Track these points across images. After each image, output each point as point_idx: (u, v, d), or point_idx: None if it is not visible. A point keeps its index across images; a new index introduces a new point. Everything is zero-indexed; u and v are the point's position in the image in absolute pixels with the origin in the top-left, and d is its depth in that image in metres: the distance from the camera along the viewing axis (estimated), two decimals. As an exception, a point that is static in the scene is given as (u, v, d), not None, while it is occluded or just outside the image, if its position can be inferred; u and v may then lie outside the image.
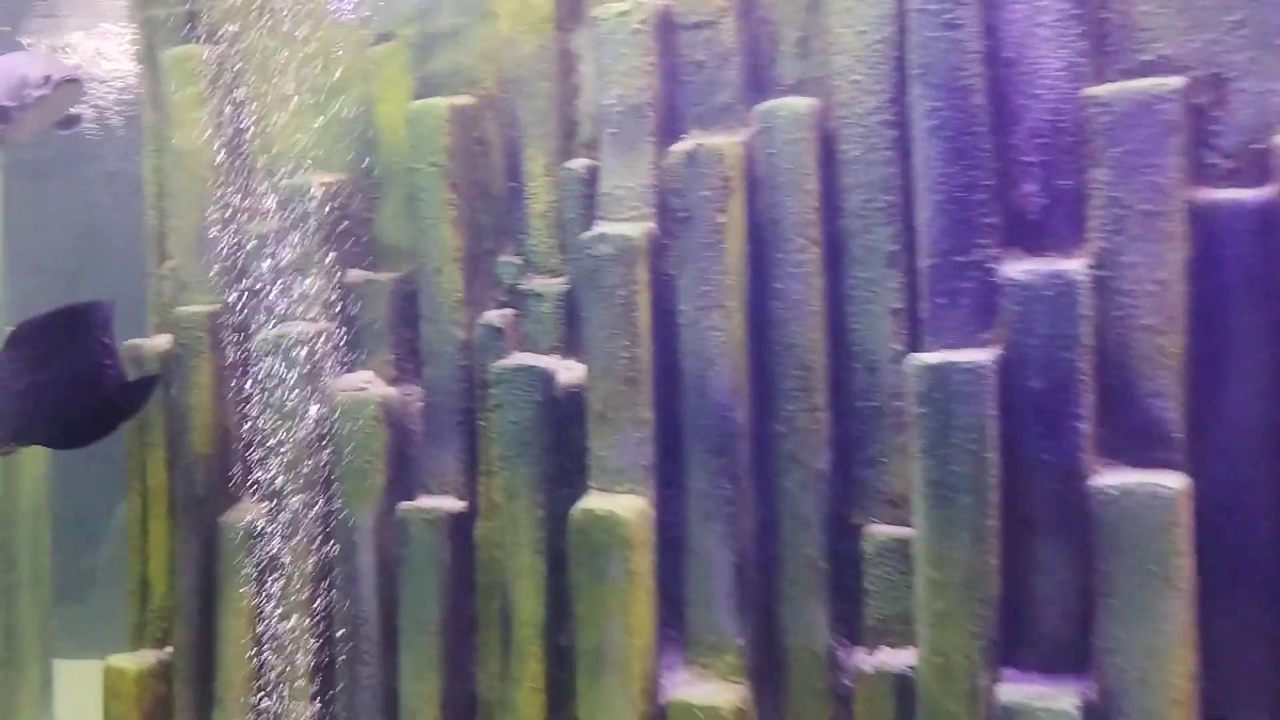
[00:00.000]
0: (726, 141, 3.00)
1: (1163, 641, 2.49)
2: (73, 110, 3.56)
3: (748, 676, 2.97)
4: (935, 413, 2.70)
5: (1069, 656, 2.65)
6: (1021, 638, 2.70)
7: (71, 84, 3.39)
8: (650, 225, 3.09)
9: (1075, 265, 2.64)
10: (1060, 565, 2.67)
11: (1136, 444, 2.61)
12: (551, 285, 3.30)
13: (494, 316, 3.32)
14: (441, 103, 3.37)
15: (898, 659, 2.84)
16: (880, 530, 2.90)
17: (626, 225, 3.08)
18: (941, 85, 2.77)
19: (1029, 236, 2.76)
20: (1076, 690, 2.59)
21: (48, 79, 3.33)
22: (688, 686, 2.99)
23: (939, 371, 2.70)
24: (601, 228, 3.09)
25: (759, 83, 3.10)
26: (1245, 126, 2.58)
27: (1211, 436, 2.58)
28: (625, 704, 2.96)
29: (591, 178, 3.24)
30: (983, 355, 2.68)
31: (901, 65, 2.86)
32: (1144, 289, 2.59)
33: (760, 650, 3.01)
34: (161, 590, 3.77)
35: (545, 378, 3.18)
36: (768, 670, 3.02)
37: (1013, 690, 2.63)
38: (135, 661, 3.71)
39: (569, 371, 3.23)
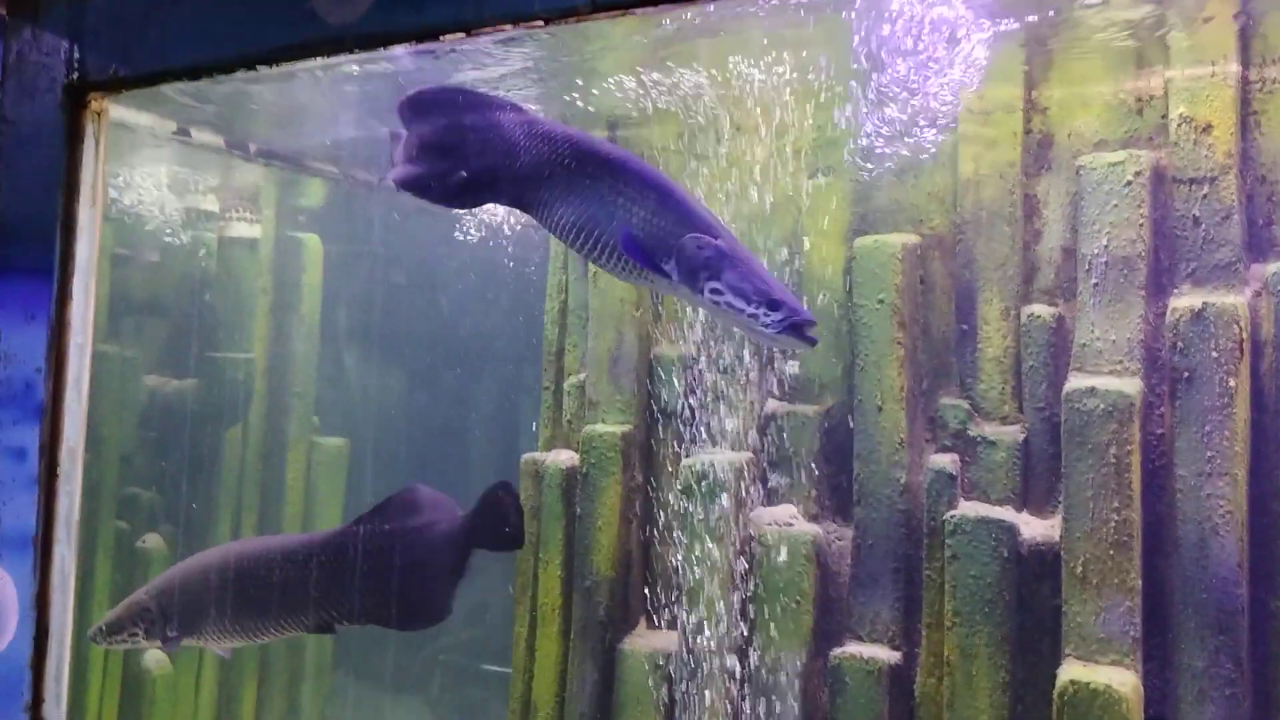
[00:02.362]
0: (1238, 301, 2.89)
1: None
2: None
3: None
4: None
5: None
6: None
7: None
8: (1140, 381, 2.98)
9: None
10: None
11: None
12: (1005, 433, 3.21)
13: (944, 461, 3.23)
14: (893, 240, 3.35)
15: None
16: None
17: (1117, 379, 2.97)
18: None
19: None
20: None
21: None
22: None
23: None
24: (1088, 380, 2.99)
25: (1257, 242, 2.99)
26: None
27: None
28: None
29: (1059, 326, 3.16)
30: None
31: None
32: None
33: None
34: (547, 713, 3.72)
35: (1010, 531, 3.06)
36: None
37: None
38: (520, 783, 3.65)
39: (1029, 526, 3.11)
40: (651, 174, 2.78)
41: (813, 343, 2.54)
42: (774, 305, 2.50)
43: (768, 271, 2.60)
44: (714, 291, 2.57)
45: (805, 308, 2.51)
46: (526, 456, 3.92)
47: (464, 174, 2.79)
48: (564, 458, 3.80)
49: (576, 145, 2.79)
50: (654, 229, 2.63)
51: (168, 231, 6.05)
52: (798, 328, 2.47)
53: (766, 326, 2.50)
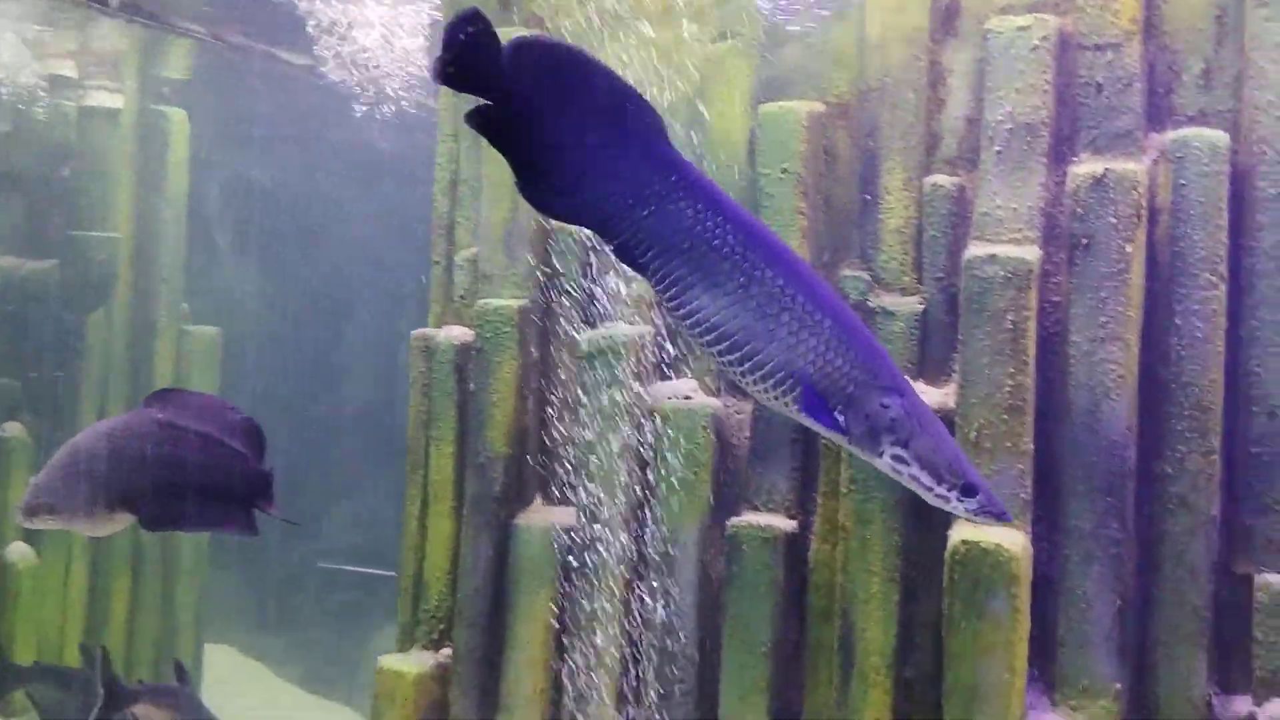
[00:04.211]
0: (1138, 168, 2.90)
1: None
2: None
3: (1121, 722, 2.87)
4: (1378, 465, 2.61)
5: None
6: None
7: None
8: (1038, 249, 2.99)
9: None
10: None
11: None
12: (905, 304, 3.20)
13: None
14: (798, 107, 3.26)
15: (1299, 714, 2.74)
16: (1276, 580, 2.81)
17: (1017, 248, 2.98)
18: (1391, 127, 2.68)
19: None
20: None
21: None
22: (1062, 730, 2.88)
23: (1387, 423, 2.61)
24: (988, 248, 2.99)
25: (1157, 110, 3.01)
26: None
27: None
28: (1002, 749, 2.85)
29: (960, 195, 3.14)
30: None
31: (1337, 103, 2.78)
32: None
33: (1133, 696, 2.91)
34: (439, 591, 3.64)
35: (909, 400, 3.07)
36: (1140, 716, 2.92)
37: None
38: (412, 664, 3.58)
39: (925, 395, 3.12)
40: (826, 292, 2.31)
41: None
42: (969, 490, 2.24)
43: (950, 435, 2.32)
44: (897, 459, 2.26)
45: (995, 495, 2.27)
46: (416, 333, 3.77)
47: (570, 193, 2.23)
48: (456, 334, 3.66)
49: (735, 219, 2.25)
50: (827, 367, 2.23)
51: (21, 99, 5.58)
52: (990, 517, 2.25)
53: (954, 506, 2.26)
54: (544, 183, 2.22)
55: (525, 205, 3.51)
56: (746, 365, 2.21)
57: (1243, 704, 2.85)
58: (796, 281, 2.25)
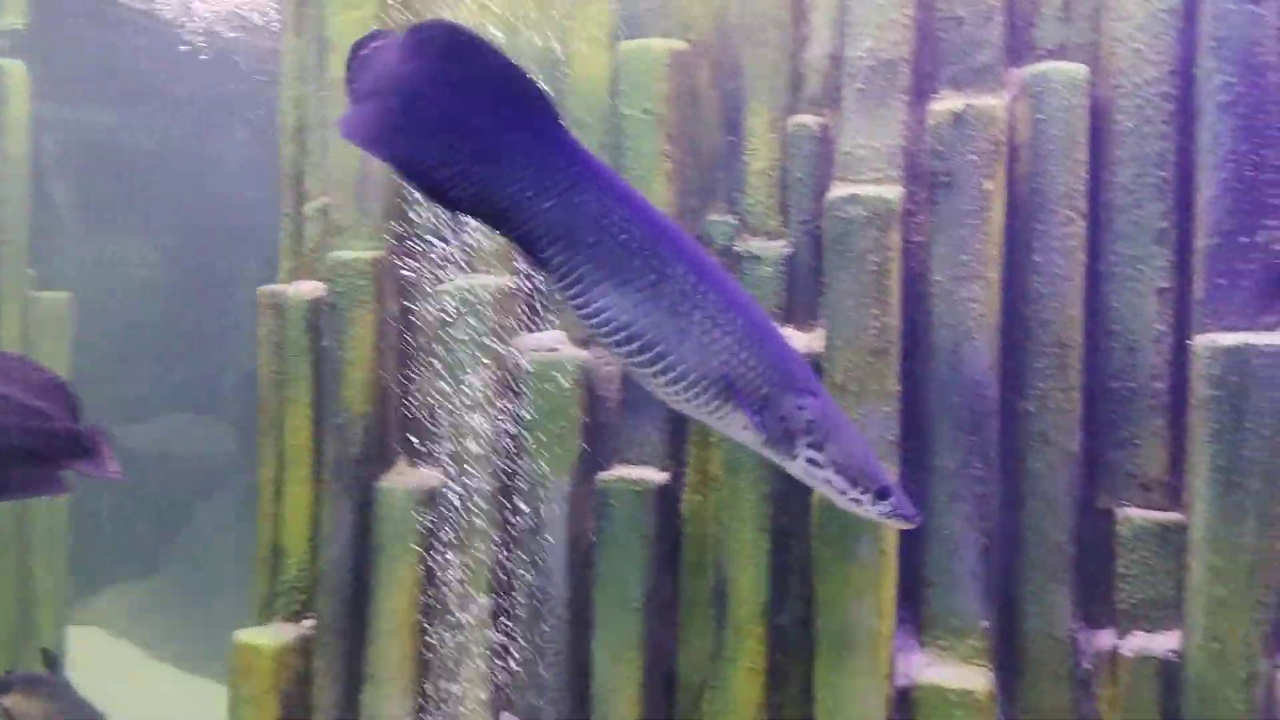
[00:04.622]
0: (996, 104, 2.86)
1: None
2: None
3: (990, 660, 2.88)
4: (1229, 396, 2.64)
5: (1348, 645, 2.64)
6: (1296, 625, 2.68)
7: None
8: (900, 188, 2.94)
9: (1384, 251, 2.60)
10: (1342, 553, 2.64)
11: None
12: (771, 248, 3.12)
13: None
14: (659, 45, 3.14)
15: (1157, 643, 2.78)
16: (1138, 514, 2.84)
17: (879, 187, 2.92)
18: (1238, 60, 2.69)
19: (1313, 220, 2.72)
20: (1364, 678, 2.57)
21: None
22: (930, 669, 2.88)
23: (1237, 354, 2.63)
24: (850, 188, 2.93)
25: (1017, 45, 2.97)
26: None
27: None
28: (871, 687, 2.83)
29: (824, 135, 3.07)
30: (1281, 338, 2.63)
31: (1187, 36, 2.78)
32: None
33: (1000, 633, 2.92)
34: (299, 559, 3.47)
35: (776, 345, 3.00)
36: (1007, 653, 2.93)
37: (1299, 678, 2.60)
38: (271, 637, 3.41)
39: (792, 339, 3.06)
40: (736, 289, 2.22)
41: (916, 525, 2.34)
42: (883, 494, 2.23)
43: (860, 435, 2.27)
44: (811, 462, 2.24)
45: (904, 497, 2.28)
46: (263, 289, 3.56)
47: (464, 183, 2.10)
48: (307, 289, 3.47)
49: (642, 212, 2.12)
50: (742, 367, 2.14)
51: None
52: (902, 519, 2.27)
53: (866, 510, 2.26)
54: (435, 171, 2.10)
55: (378, 152, 3.33)
56: (658, 366, 2.13)
57: (1106, 637, 2.88)
58: (708, 278, 2.16)
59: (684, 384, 2.15)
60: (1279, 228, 2.70)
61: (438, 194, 2.13)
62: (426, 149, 2.09)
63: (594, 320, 2.13)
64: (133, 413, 7.90)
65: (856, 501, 2.25)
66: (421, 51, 2.08)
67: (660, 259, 2.11)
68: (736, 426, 2.22)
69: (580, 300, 2.12)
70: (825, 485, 2.26)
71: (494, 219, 2.14)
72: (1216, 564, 2.65)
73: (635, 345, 2.12)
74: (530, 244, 2.13)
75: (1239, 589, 2.63)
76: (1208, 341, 2.68)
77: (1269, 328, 2.69)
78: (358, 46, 2.15)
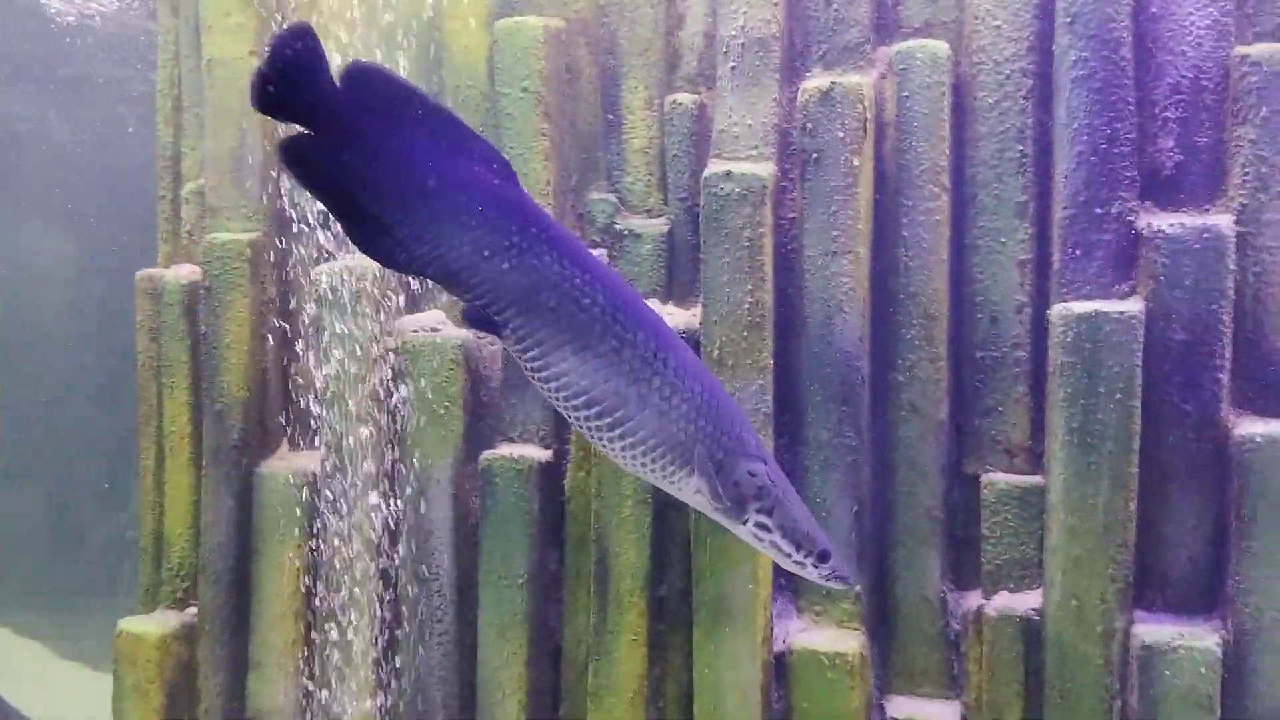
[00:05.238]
0: (863, 81, 2.92)
1: (1300, 581, 2.62)
2: None
3: (863, 623, 2.95)
4: (1082, 362, 2.73)
5: (1198, 598, 2.76)
6: (1151, 581, 2.79)
7: None
8: (773, 165, 2.98)
9: (1224, 220, 2.71)
10: (1192, 511, 2.76)
11: (1268, 395, 2.73)
12: (651, 226, 3.15)
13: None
14: (535, 23, 3.14)
15: (1020, 603, 2.88)
16: (1001, 478, 2.93)
17: (752, 164, 2.96)
18: (1093, 36, 2.78)
19: (1163, 191, 2.83)
20: (1211, 629, 2.69)
21: None
22: (805, 634, 2.94)
23: (1088, 321, 2.73)
24: (725, 165, 2.97)
25: (885, 23, 3.04)
26: (1385, 93, 2.72)
27: (1339, 388, 2.72)
28: (747, 653, 2.89)
29: (700, 113, 3.11)
30: (1131, 306, 2.73)
31: (1045, 12, 2.86)
32: (1283, 246, 2.70)
33: (873, 597, 2.99)
34: (181, 547, 3.42)
35: (654, 320, 3.03)
36: (879, 616, 3.01)
37: (1151, 631, 2.71)
38: (155, 625, 3.36)
39: (671, 316, 3.10)
40: (691, 355, 2.21)
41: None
42: (824, 557, 2.27)
43: (799, 498, 2.32)
44: (760, 526, 2.26)
45: (841, 559, 2.33)
46: (141, 273, 3.49)
47: (415, 242, 2.03)
48: (184, 272, 3.41)
49: (601, 277, 2.08)
50: (699, 433, 2.15)
51: None
52: (840, 581, 2.31)
53: (808, 572, 2.30)
54: (383, 230, 2.03)
55: (253, 132, 3.29)
56: (618, 431, 2.12)
57: (974, 598, 2.97)
58: (666, 345, 2.16)
59: (643, 449, 2.15)
60: (1132, 199, 2.80)
61: (387, 255, 2.07)
62: (379, 205, 2.02)
63: (553, 385, 2.11)
64: (44, 404, 7.69)
65: (800, 564, 2.29)
66: (361, 98, 1.99)
67: (621, 325, 2.11)
68: (689, 491, 2.23)
69: (539, 364, 2.10)
70: (771, 548, 2.30)
71: (449, 280, 2.10)
72: (1073, 524, 2.75)
73: (595, 410, 2.11)
74: (487, 306, 2.09)
75: (1094, 548, 2.73)
76: (1062, 310, 2.77)
77: (1122, 296, 2.79)
78: (281, 44, 1.95)
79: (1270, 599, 2.64)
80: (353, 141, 1.98)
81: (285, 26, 2.06)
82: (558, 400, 2.14)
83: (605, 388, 2.09)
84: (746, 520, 2.25)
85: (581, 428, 2.17)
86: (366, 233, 2.04)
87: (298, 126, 1.99)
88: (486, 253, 2.04)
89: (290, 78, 1.92)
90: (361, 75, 2.00)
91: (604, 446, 2.19)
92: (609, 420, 2.11)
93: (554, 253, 2.08)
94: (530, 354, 2.09)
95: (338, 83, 1.99)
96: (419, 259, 2.06)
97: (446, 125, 2.07)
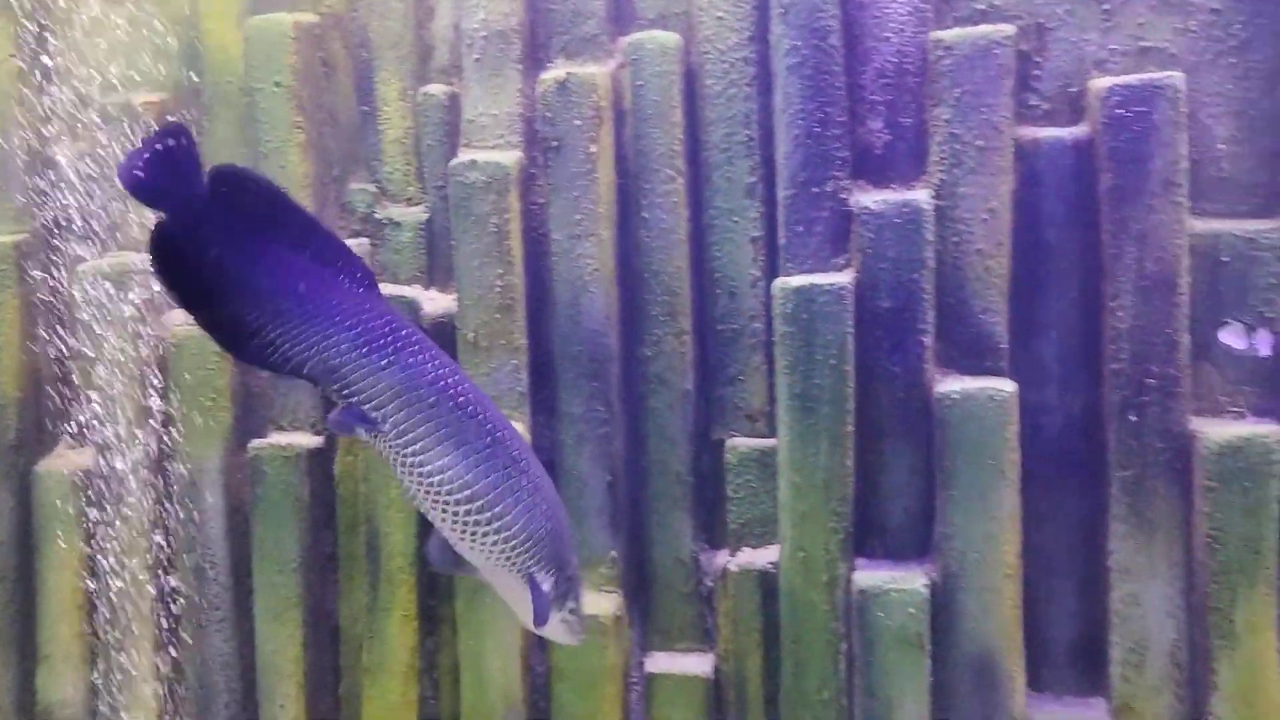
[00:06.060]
0: (598, 71, 3.07)
1: (996, 526, 2.86)
2: None
3: (620, 586, 3.13)
4: (800, 331, 2.93)
5: (913, 545, 2.99)
6: (871, 531, 3.01)
7: None
8: (519, 153, 3.11)
9: (922, 195, 2.93)
10: (905, 465, 2.98)
11: (969, 355, 2.96)
12: (410, 214, 3.26)
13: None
14: (285, 18, 3.21)
15: (760, 557, 3.08)
16: (742, 443, 3.12)
17: (498, 153, 3.09)
18: (803, 25, 2.96)
19: (875, 169, 3.03)
20: (922, 572, 2.92)
21: None
22: (565, 600, 3.10)
23: (804, 293, 2.92)
24: (471, 155, 3.09)
25: (621, 15, 3.18)
26: (1061, 72, 2.96)
27: (1032, 346, 2.96)
28: (508, 623, 3.04)
29: (452, 104, 3.22)
30: (842, 278, 2.93)
31: (763, 3, 3.04)
32: (977, 217, 2.92)
33: (630, 561, 3.17)
34: (-37, 548, 3.44)
35: (413, 308, 3.15)
36: (637, 578, 3.19)
37: (867, 576, 2.93)
38: (-63, 628, 3.37)
39: (433, 302, 3.22)
40: (532, 452, 2.33)
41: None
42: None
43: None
44: (572, 612, 2.39)
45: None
46: (-97, 278, 3.47)
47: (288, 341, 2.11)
48: (-51, 274, 3.41)
49: (465, 379, 2.21)
50: (554, 530, 2.28)
51: None
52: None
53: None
54: (251, 333, 2.11)
55: (15, 131, 3.31)
56: (495, 525, 2.19)
57: (723, 556, 3.16)
58: (523, 446, 2.29)
59: (514, 543, 2.23)
60: (845, 178, 3.00)
61: (256, 356, 2.15)
62: (246, 307, 2.10)
63: (435, 480, 2.16)
64: None
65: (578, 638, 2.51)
66: (228, 199, 2.08)
67: (492, 424, 2.21)
68: (519, 590, 2.31)
69: (419, 459, 2.16)
70: (564, 630, 2.43)
71: (327, 376, 2.16)
72: (798, 482, 2.95)
73: (477, 505, 2.18)
74: (365, 403, 2.15)
75: (817, 503, 2.94)
76: (782, 284, 2.96)
77: (838, 269, 2.99)
78: (157, 138, 2.05)
79: (971, 542, 2.88)
80: (220, 240, 2.07)
81: (163, 123, 2.18)
82: (434, 494, 2.18)
83: (486, 482, 2.17)
84: (564, 607, 2.36)
85: (451, 521, 2.21)
86: (232, 336, 2.13)
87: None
88: (365, 349, 2.12)
89: (160, 169, 2.01)
90: (228, 178, 2.10)
91: (470, 538, 2.23)
92: (489, 514, 2.18)
93: (426, 353, 2.19)
94: (411, 449, 2.15)
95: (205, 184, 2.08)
96: (293, 358, 2.14)
97: (309, 229, 2.19)
